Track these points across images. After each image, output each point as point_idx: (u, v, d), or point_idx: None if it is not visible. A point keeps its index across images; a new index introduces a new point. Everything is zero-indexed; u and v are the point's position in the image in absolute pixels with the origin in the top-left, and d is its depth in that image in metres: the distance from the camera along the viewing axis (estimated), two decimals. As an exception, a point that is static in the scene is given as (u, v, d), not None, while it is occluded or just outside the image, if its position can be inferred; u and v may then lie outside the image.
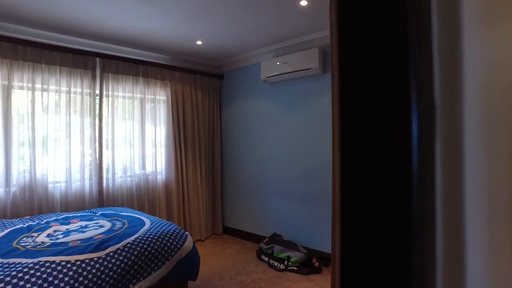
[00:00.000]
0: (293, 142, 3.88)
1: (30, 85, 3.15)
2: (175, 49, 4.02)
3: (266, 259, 3.58)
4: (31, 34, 3.17)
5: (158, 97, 4.10)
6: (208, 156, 4.58)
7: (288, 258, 3.42)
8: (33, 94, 3.16)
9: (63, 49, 3.32)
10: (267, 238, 3.84)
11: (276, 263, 3.44)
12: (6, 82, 3.02)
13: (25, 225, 2.61)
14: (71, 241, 2.22)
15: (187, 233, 2.58)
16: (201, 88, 4.49)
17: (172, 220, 4.07)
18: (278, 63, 3.80)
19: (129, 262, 2.10)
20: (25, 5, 2.72)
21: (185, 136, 4.29)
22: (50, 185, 3.29)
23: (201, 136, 4.46)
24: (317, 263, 3.35)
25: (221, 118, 4.79)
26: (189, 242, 2.49)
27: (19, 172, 3.13)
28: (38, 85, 3.20)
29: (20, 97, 3.14)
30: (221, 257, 3.78)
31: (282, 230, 3.98)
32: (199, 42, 3.77)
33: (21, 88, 3.14)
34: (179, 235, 2.47)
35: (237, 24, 3.25)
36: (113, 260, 2.05)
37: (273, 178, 4.11)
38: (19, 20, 3.05)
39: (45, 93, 3.25)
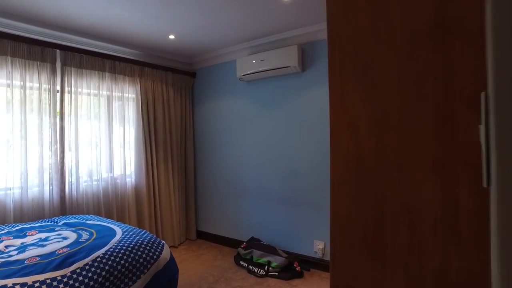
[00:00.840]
0: (270, 143, 3.74)
1: (-24, 78, 2.76)
2: (146, 43, 3.74)
3: (245, 264, 3.42)
4: (-22, 20, 2.78)
5: (127, 94, 3.80)
6: (180, 158, 4.32)
7: (269, 263, 3.27)
8: (-20, 89, 2.78)
9: (15, 37, 2.94)
10: (245, 243, 3.67)
11: (256, 269, 3.29)
12: None
13: (-30, 240, 2.26)
14: (28, 258, 1.92)
15: (164, 242, 2.35)
16: (173, 86, 4.24)
17: (143, 226, 3.78)
18: (254, 61, 3.65)
19: (100, 279, 1.85)
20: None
21: (156, 136, 4.01)
22: (1, 192, 2.91)
23: (172, 136, 4.20)
24: (299, 267, 3.23)
25: (194, 118, 4.56)
26: (166, 252, 2.26)
27: (-37, 178, 2.73)
28: (-14, 79, 2.81)
29: (-36, 92, 2.74)
30: (197, 264, 3.56)
31: (260, 234, 3.83)
32: (171, 37, 3.53)
33: (-34, 81, 2.74)
34: (155, 245, 2.24)
35: (211, 18, 3.05)
36: (81, 278, 1.79)
37: (249, 180, 3.95)
38: (-37, 4, 2.66)
39: (-5, 88, 2.86)
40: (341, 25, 1.26)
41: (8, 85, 2.95)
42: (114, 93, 3.65)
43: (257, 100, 3.85)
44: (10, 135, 2.95)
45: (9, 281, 1.61)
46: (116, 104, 3.69)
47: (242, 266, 3.45)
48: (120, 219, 3.63)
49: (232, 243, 4.08)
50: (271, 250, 3.38)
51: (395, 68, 1.13)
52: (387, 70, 1.16)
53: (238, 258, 3.56)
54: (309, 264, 3.37)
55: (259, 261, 3.33)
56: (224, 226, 4.22)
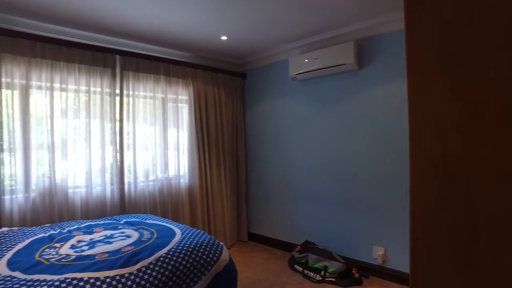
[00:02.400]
0: (324, 144, 3.61)
1: (48, 84, 2.96)
2: (198, 45, 3.80)
3: (300, 269, 3.32)
4: (49, 30, 2.98)
5: (180, 96, 3.89)
6: (232, 159, 4.34)
7: (325, 268, 3.15)
8: (51, 94, 2.98)
9: (82, 45, 3.13)
10: (299, 246, 3.58)
11: (312, 274, 3.18)
12: (25, 82, 2.84)
13: (46, 234, 2.41)
14: (98, 253, 2.00)
15: (222, 243, 2.34)
16: (224, 88, 4.27)
17: (196, 226, 3.84)
18: (307, 60, 3.55)
19: (163, 278, 1.87)
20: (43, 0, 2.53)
21: (208, 137, 4.06)
22: (70, 190, 3.10)
23: (224, 137, 4.23)
24: (357, 274, 3.07)
25: (245, 119, 4.55)
26: (225, 254, 2.24)
27: (38, 176, 2.94)
28: (56, 85, 3.01)
29: (38, 98, 2.95)
30: (250, 266, 3.52)
31: (314, 237, 3.71)
32: (224, 38, 3.54)
33: (40, 87, 2.95)
34: (214, 246, 2.23)
35: (266, 17, 3.01)
36: (146, 276, 1.82)
37: (302, 181, 3.84)
38: (37, 16, 2.86)
39: (63, 93, 3.06)
40: (422, 12, 1.13)
41: (75, 90, 3.13)
42: (168, 96, 3.75)
43: (311, 100, 3.75)
44: (77, 137, 3.13)
45: (85, 275, 1.68)
46: (170, 106, 3.79)
47: (296, 270, 3.36)
48: (175, 218, 3.71)
49: (285, 246, 4.00)
50: (327, 254, 3.25)
51: (492, 58, 0.99)
52: (482, 61, 1.01)
53: (292, 262, 3.47)
54: (368, 271, 3.20)
55: (315, 265, 3.22)
56: (276, 228, 4.15)
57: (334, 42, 3.44)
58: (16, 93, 2.83)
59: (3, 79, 2.75)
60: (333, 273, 3.09)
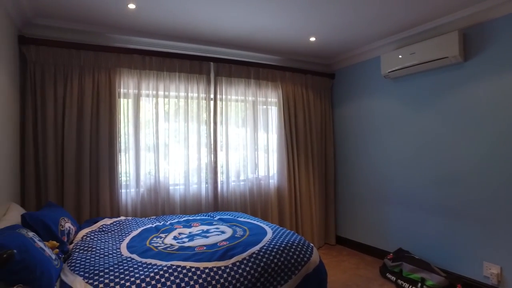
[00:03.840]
0: (421, 144, 3.32)
1: (154, 92, 3.34)
2: (287, 48, 3.86)
3: (393, 278, 3.11)
4: (156, 44, 3.37)
5: (270, 99, 3.99)
6: (320, 161, 4.29)
7: (423, 280, 2.89)
8: (156, 100, 3.35)
9: (181, 56, 3.45)
10: (391, 254, 3.35)
11: (407, 285, 2.94)
12: (136, 91, 3.26)
13: (153, 225, 2.71)
14: (197, 246, 2.18)
15: (312, 245, 2.33)
16: (312, 89, 4.25)
17: (284, 226, 3.89)
18: (401, 56, 3.31)
19: (256, 274, 1.94)
20: (150, 20, 2.87)
21: (297, 139, 4.09)
22: (171, 187, 3.44)
23: (313, 139, 4.20)
24: (463, 291, 2.74)
25: (334, 120, 4.46)
26: (315, 256, 2.23)
27: (146, 174, 3.33)
28: (160, 92, 3.38)
29: (146, 104, 3.35)
30: (338, 270, 3.43)
31: (409, 245, 3.43)
32: (312, 39, 3.53)
33: (147, 95, 3.35)
34: (305, 247, 2.24)
35: (356, 14, 2.90)
36: (240, 271, 1.91)
37: (395, 185, 3.59)
38: (147, 33, 3.26)
39: (166, 99, 3.41)
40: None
41: (176, 96, 3.47)
42: (258, 98, 3.89)
43: (405, 98, 3.49)
44: (176, 139, 3.47)
45: (187, 264, 1.85)
46: (260, 109, 3.92)
47: (389, 279, 3.15)
48: (264, 218, 3.82)
49: (375, 252, 3.79)
50: (425, 265, 2.98)
51: None
52: None
53: (384, 270, 3.27)
54: (476, 289, 2.83)
55: (410, 276, 2.98)
56: (366, 233, 3.96)
57: (433, 34, 3.14)
58: (130, 101, 3.26)
59: (121, 90, 3.20)
60: (432, 286, 2.81)
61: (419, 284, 2.89)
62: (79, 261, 1.90)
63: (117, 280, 1.66)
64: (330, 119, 4.40)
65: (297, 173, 4.03)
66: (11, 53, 2.54)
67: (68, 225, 2.35)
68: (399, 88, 3.56)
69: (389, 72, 3.46)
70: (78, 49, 3.00)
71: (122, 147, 3.20)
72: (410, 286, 2.92)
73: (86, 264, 1.86)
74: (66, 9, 2.71)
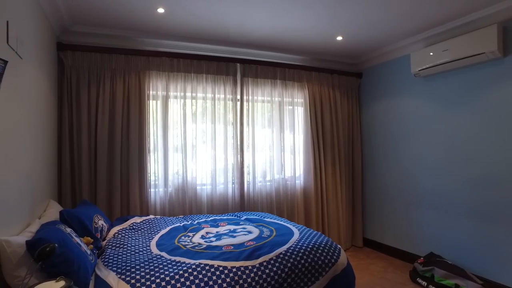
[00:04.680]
0: (454, 145, 3.19)
1: (182, 93, 3.41)
2: (313, 48, 3.82)
3: (424, 283, 3.00)
4: (183, 47, 3.44)
5: (296, 99, 3.98)
6: (347, 161, 4.22)
7: (457, 286, 2.77)
8: (184, 102, 3.42)
9: (208, 57, 3.51)
10: (422, 258, 3.24)
11: (439, 291, 2.84)
12: (165, 93, 3.34)
13: (181, 224, 2.77)
14: (224, 245, 2.20)
15: (340, 246, 2.29)
16: (339, 88, 4.19)
17: (310, 227, 3.86)
18: (432, 53, 3.20)
19: (283, 274, 1.94)
20: (179, 23, 2.94)
21: (323, 139, 4.04)
22: (198, 187, 3.49)
23: (340, 139, 4.14)
24: (501, 298, 2.61)
25: (361, 120, 4.37)
26: (343, 257, 2.19)
27: (173, 174, 3.40)
28: (188, 93, 3.44)
29: (174, 106, 3.43)
30: (366, 273, 3.36)
31: (440, 250, 3.31)
32: (339, 38, 3.48)
33: (175, 97, 3.42)
34: (332, 249, 2.21)
35: (384, 11, 2.83)
36: (267, 271, 1.92)
37: (426, 187, 3.47)
38: (175, 36, 3.34)
39: (193, 101, 3.48)
40: None
41: (203, 98, 3.53)
42: (284, 99, 3.88)
43: (437, 97, 3.36)
44: (203, 140, 3.52)
45: (215, 263, 1.88)
46: (286, 109, 3.91)
47: (419, 284, 3.05)
48: (290, 218, 3.80)
49: (404, 255, 3.68)
50: (459, 271, 2.86)
51: None
52: None
53: (414, 274, 3.17)
54: (515, 297, 2.68)
55: (443, 282, 2.87)
56: (394, 236, 3.85)
57: (469, 29, 3.01)
58: (159, 103, 3.35)
59: (150, 92, 3.30)
60: (468, 293, 2.69)
61: (453, 290, 2.77)
62: (112, 257, 1.97)
63: (147, 276, 1.71)
64: (358, 119, 4.32)
65: (324, 173, 3.99)
66: (50, 59, 2.69)
67: (101, 222, 2.44)
68: (430, 87, 3.44)
69: (419, 70, 3.35)
70: (110, 53, 3.11)
71: (151, 148, 3.29)
72: (443, 292, 2.81)
73: (119, 260, 1.93)
74: (99, 16, 2.82)
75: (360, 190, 4.27)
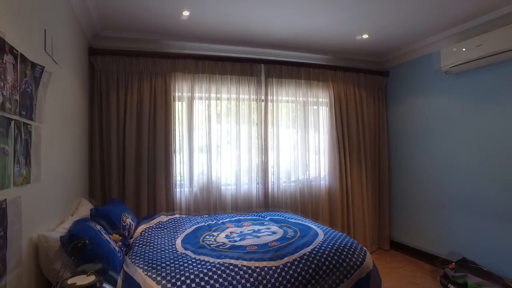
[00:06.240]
0: (487, 145, 3.04)
1: (207, 94, 3.46)
2: (338, 47, 3.77)
3: (456, 289, 2.88)
4: (208, 49, 3.49)
5: (321, 99, 3.93)
6: (373, 162, 4.12)
7: (492, 294, 2.64)
8: (209, 103, 3.47)
9: (232, 59, 3.54)
10: (454, 263, 3.10)
11: (472, 298, 2.71)
12: (190, 94, 3.40)
13: (205, 224, 2.81)
14: (248, 245, 2.21)
15: (365, 249, 2.25)
16: (365, 88, 4.10)
17: (335, 228, 3.79)
18: (465, 49, 3.07)
19: (307, 276, 1.92)
20: (203, 25, 2.99)
21: (349, 139, 3.97)
22: (222, 187, 3.53)
23: (366, 140, 4.05)
24: (541, 308, 2.46)
25: (388, 120, 4.26)
26: (369, 260, 2.15)
27: (198, 174, 3.45)
28: (213, 94, 3.49)
29: (199, 107, 3.48)
30: (393, 277, 3.27)
31: (473, 255, 3.16)
32: (365, 36, 3.41)
33: (200, 98, 3.47)
34: (358, 251, 2.17)
35: (411, 7, 2.74)
36: (291, 272, 1.91)
37: (457, 189, 3.33)
38: (200, 39, 3.40)
39: (218, 102, 3.52)
40: None
41: (227, 99, 3.57)
42: (309, 99, 3.85)
43: (468, 95, 3.22)
44: (228, 140, 3.56)
45: (239, 262, 1.89)
46: (311, 109, 3.87)
47: (451, 290, 2.93)
48: (314, 219, 3.75)
49: (433, 259, 3.55)
50: (495, 278, 2.72)
51: None
52: None
53: (445, 280, 3.04)
54: (556, 307, 2.52)
55: (477, 289, 2.74)
56: (424, 239, 3.73)
57: (504, 23, 2.86)
58: (184, 104, 3.41)
59: (176, 93, 3.37)
60: (504, 302, 2.56)
61: (487, 298, 2.65)
62: (139, 255, 2.03)
63: (173, 274, 1.75)
64: (384, 119, 4.21)
65: (349, 174, 3.92)
66: (82, 63, 2.81)
67: (129, 220, 2.52)
68: (462, 84, 3.30)
69: (450, 67, 3.22)
70: (138, 57, 3.21)
71: (177, 148, 3.36)
72: (476, 299, 2.69)
73: (145, 257, 1.99)
74: (128, 21, 2.92)
75: (386, 191, 4.16)
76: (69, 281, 1.03)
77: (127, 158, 3.16)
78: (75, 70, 2.49)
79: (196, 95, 3.45)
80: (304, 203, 3.77)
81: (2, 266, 1.13)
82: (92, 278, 1.04)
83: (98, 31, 3.08)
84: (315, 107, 3.89)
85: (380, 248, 4.17)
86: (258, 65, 3.65)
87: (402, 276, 3.30)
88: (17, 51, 1.30)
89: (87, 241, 1.34)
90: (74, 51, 2.46)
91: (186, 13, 2.79)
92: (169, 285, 1.65)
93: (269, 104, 3.68)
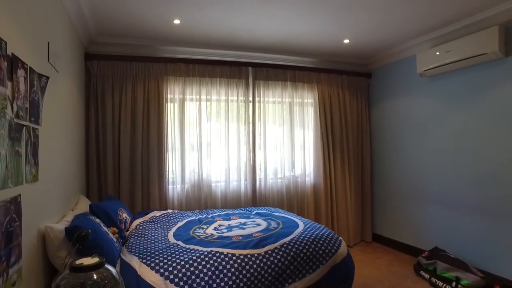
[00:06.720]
0: (459, 143, 3.29)
1: (197, 96, 3.66)
2: (321, 51, 3.99)
3: (427, 276, 3.14)
4: (199, 53, 3.69)
5: (306, 100, 4.15)
6: (356, 159, 4.37)
7: (457, 279, 2.90)
8: (199, 104, 3.66)
9: (222, 62, 3.74)
10: (427, 252, 3.37)
11: (440, 283, 2.97)
12: (181, 96, 3.60)
13: (196, 218, 3.02)
14: (234, 236, 2.43)
15: (341, 238, 2.48)
16: (348, 89, 4.33)
17: (320, 223, 4.03)
18: (438, 53, 3.31)
19: (286, 262, 2.15)
20: (193, 32, 3.18)
21: (333, 138, 4.20)
22: (213, 184, 3.74)
23: (349, 138, 4.29)
24: (500, 291, 2.72)
25: (370, 119, 4.50)
26: (343, 248, 2.38)
27: (190, 172, 3.66)
28: (203, 96, 3.69)
29: (190, 108, 3.68)
30: (372, 266, 3.52)
31: (445, 244, 3.42)
32: (346, 41, 3.64)
33: (191, 100, 3.67)
34: (333, 240, 2.40)
35: (390, 15, 2.97)
36: (271, 258, 2.13)
37: (432, 184, 3.59)
38: (192, 43, 3.59)
39: (208, 103, 3.72)
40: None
41: (217, 100, 3.77)
42: (295, 100, 4.07)
43: (443, 96, 3.47)
44: (217, 139, 3.76)
45: (225, 250, 2.11)
46: (296, 110, 4.10)
47: (423, 276, 3.19)
48: (300, 214, 3.99)
49: (411, 250, 3.81)
50: (460, 264, 2.98)
51: None
52: None
53: (418, 268, 3.31)
54: (514, 290, 2.79)
55: (445, 275, 3.00)
56: (403, 231, 3.99)
57: (471, 30, 3.10)
58: (176, 105, 3.61)
59: (168, 96, 3.56)
60: (467, 286, 2.81)
61: (454, 283, 2.90)
62: (134, 245, 2.24)
63: (165, 261, 1.96)
64: (367, 118, 4.45)
65: (333, 171, 4.15)
66: (79, 68, 3.00)
67: (124, 215, 2.72)
68: (436, 86, 3.54)
69: (425, 70, 3.46)
70: (131, 61, 3.40)
71: (169, 147, 3.56)
72: (444, 284, 2.94)
73: (140, 247, 2.20)
74: (122, 27, 3.10)
75: (369, 187, 4.41)
76: (77, 262, 1.23)
77: (122, 157, 3.35)
78: (73, 75, 2.67)
79: (188, 97, 3.65)
80: (291, 199, 3.99)
81: (19, 251, 1.33)
82: (96, 259, 1.24)
83: (93, 37, 3.26)
84: (301, 107, 4.11)
85: (363, 241, 4.42)
86: (246, 68, 3.86)
87: (380, 265, 3.55)
88: (27, 65, 1.49)
89: (89, 231, 1.54)
90: (71, 58, 2.64)
91: (177, 21, 2.99)
92: (161, 270, 1.87)
93: (257, 105, 3.90)
